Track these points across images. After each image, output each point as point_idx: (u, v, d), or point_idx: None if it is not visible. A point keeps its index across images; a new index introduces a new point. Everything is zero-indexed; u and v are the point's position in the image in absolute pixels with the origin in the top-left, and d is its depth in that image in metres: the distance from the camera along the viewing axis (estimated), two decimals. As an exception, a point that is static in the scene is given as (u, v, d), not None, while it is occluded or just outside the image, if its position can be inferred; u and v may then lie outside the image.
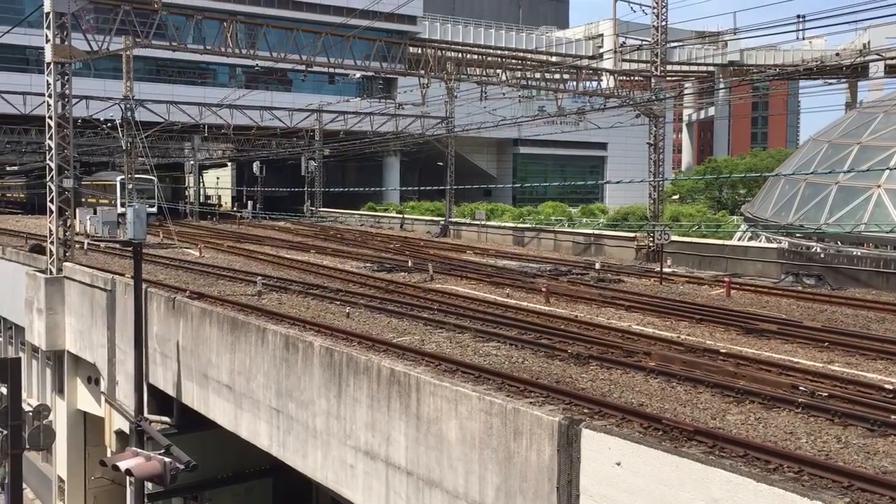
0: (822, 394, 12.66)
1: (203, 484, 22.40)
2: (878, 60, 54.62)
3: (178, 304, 21.48)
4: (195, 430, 21.65)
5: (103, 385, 25.72)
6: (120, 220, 47.67)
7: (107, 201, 55.29)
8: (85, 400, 28.62)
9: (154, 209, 49.44)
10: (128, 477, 19.69)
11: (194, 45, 31.96)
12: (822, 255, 32.40)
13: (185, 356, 21.04)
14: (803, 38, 26.63)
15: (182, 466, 17.17)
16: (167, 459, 17.29)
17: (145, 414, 21.00)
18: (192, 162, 65.27)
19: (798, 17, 24.46)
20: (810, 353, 16.45)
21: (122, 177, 52.85)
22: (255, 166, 67.72)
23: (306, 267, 31.57)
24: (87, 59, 30.20)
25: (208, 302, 21.53)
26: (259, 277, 25.28)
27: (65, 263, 28.36)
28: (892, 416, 11.34)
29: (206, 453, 21.02)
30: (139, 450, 18.49)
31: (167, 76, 74.38)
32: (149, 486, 20.68)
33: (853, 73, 75.49)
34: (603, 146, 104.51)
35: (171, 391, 21.85)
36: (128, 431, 22.43)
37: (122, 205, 49.08)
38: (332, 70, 35.72)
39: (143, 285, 21.64)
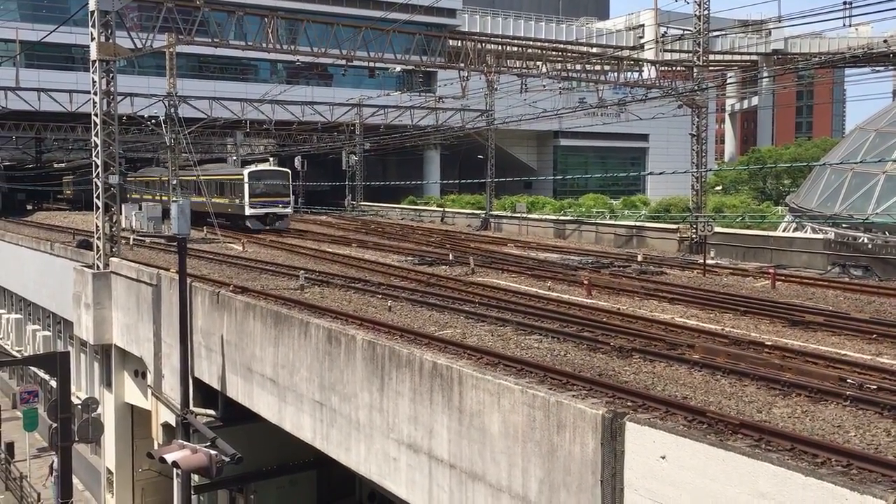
0: (871, 386, 12.45)
1: (248, 476, 22.63)
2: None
3: (222, 298, 21.69)
4: (240, 423, 21.88)
5: (150, 378, 26.07)
6: (263, 220, 45.34)
7: (226, 200, 47.48)
8: (132, 393, 29.04)
9: (288, 209, 47.12)
10: (174, 469, 19.96)
11: (236, 41, 32.22)
12: (870, 246, 31.88)
13: (229, 350, 21.25)
14: (849, 26, 26.18)
15: (227, 459, 17.37)
16: (213, 452, 17.51)
17: (191, 407, 21.27)
18: (234, 157, 65.72)
19: (844, 3, 24.05)
20: (858, 345, 16.18)
21: (252, 168, 48.65)
22: (297, 161, 68.13)
23: (348, 261, 31.70)
24: (131, 56, 30.58)
25: (251, 296, 21.70)
26: (301, 271, 25.43)
27: (111, 259, 28.77)
28: (944, 410, 11.12)
29: (251, 446, 21.25)
30: (185, 442, 18.74)
31: (209, 72, 75.09)
32: (195, 478, 20.95)
33: (901, 60, 74.01)
34: (644, 137, 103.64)
35: (215, 384, 22.09)
36: (174, 424, 22.73)
37: (253, 205, 45.35)
38: (372, 64, 35.82)
39: (188, 280, 21.88)
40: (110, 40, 28.34)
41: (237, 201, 46.88)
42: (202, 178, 50.99)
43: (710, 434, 10.37)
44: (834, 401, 11.95)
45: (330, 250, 35.29)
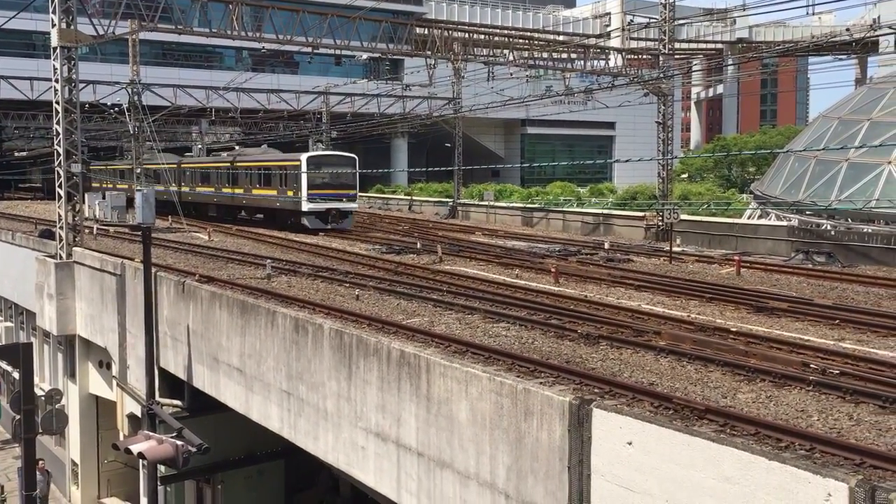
0: (834, 371, 12.61)
1: (215, 466, 22.51)
2: (888, 35, 54.17)
3: (187, 287, 21.51)
4: (207, 413, 21.76)
5: (115, 369, 25.83)
6: (324, 218, 38.31)
7: (272, 192, 40.87)
8: (97, 384, 28.77)
9: (354, 204, 39.96)
10: (140, 460, 19.82)
11: (200, 28, 31.88)
12: (833, 233, 32.27)
13: (195, 340, 21.10)
14: (813, 14, 26.42)
15: (194, 449, 17.25)
16: (179, 442, 17.38)
17: (157, 397, 21.09)
18: (199, 146, 65.06)
19: (807, -8, 24.25)
20: (821, 330, 16.38)
21: (310, 154, 40.06)
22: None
23: (315, 249, 31.58)
24: (93, 43, 30.14)
25: (218, 285, 21.55)
26: (268, 260, 25.29)
27: (74, 248, 28.43)
28: (905, 393, 11.28)
29: (218, 436, 21.14)
30: (151, 433, 18.59)
31: (174, 60, 74.35)
32: (161, 468, 20.79)
33: (863, 48, 74.92)
34: (611, 125, 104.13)
35: (182, 375, 21.93)
36: (140, 415, 22.56)
37: (312, 198, 38.12)
38: (338, 52, 35.61)
39: (153, 269, 21.68)
40: (72, 27, 27.91)
41: (290, 194, 38.91)
42: (240, 164, 43.78)
43: (676, 420, 10.45)
44: (797, 386, 12.08)
45: (297, 239, 35.11)
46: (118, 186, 59.25)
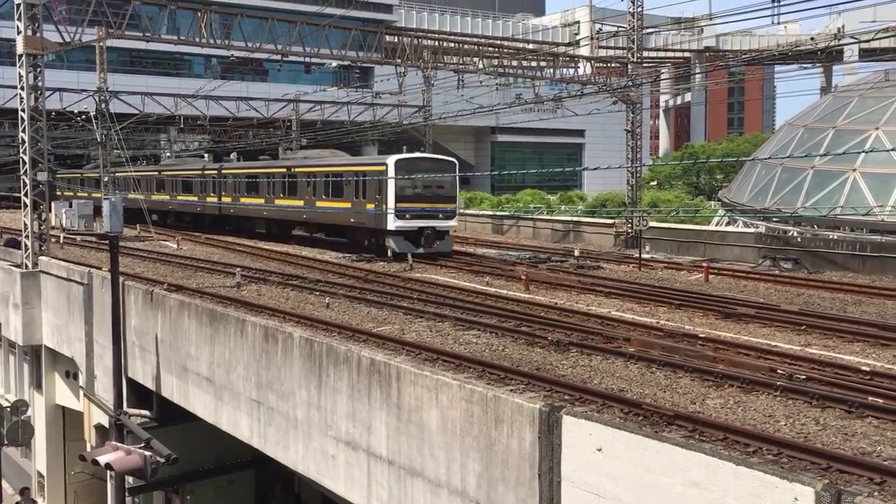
0: (801, 376, 12.73)
1: (184, 477, 22.33)
2: (852, 44, 54.97)
3: (156, 296, 21.34)
4: (175, 423, 21.57)
5: (82, 379, 25.55)
6: (415, 239, 29.58)
7: (346, 205, 32.35)
8: (63, 395, 28.43)
9: (453, 221, 31.36)
10: (108, 471, 19.60)
11: (168, 35, 31.72)
12: (799, 239, 32.64)
13: (163, 349, 20.92)
14: (778, 23, 26.74)
15: (163, 460, 17.08)
16: (147, 453, 17.19)
17: (125, 408, 20.86)
18: (168, 154, 64.66)
19: (773, 1, 24.54)
20: (788, 336, 16.54)
21: (399, 157, 31.37)
22: (233, 157, 67.29)
23: (285, 257, 31.44)
24: (60, 50, 29.88)
25: (187, 294, 21.39)
26: (238, 269, 25.14)
27: (40, 258, 28.11)
28: (870, 398, 11.42)
29: (187, 446, 20.95)
30: (119, 444, 18.38)
31: (142, 67, 73.84)
32: (129, 479, 20.59)
33: (828, 57, 75.91)
34: (581, 133, 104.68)
35: (150, 384, 21.74)
36: (107, 426, 22.32)
37: (400, 213, 29.63)
38: (307, 59, 35.57)
39: (121, 278, 21.48)
40: (37, 34, 27.65)
41: (369, 207, 30.72)
42: (300, 170, 35.85)
43: (646, 426, 10.51)
44: (765, 391, 12.19)
45: (267, 247, 34.94)
46: (131, 196, 54.42)
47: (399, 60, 37.49)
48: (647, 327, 17.12)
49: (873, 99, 43.00)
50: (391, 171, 29.80)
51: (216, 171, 43.70)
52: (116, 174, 54.21)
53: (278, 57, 33.25)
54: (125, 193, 49.09)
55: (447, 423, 12.44)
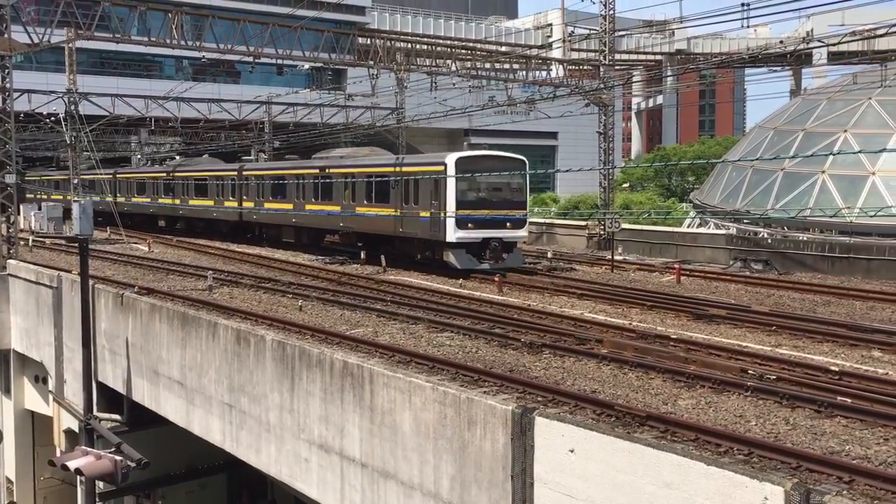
0: (771, 377, 12.84)
1: (156, 481, 22.16)
2: (820, 47, 55.58)
3: (126, 299, 21.17)
4: (147, 427, 21.42)
5: (51, 384, 25.28)
6: (479, 252, 25.61)
7: (390, 211, 28.13)
8: (32, 399, 28.12)
9: (523, 231, 27.11)
10: (78, 476, 19.39)
11: (139, 36, 31.48)
12: (769, 241, 32.91)
13: (134, 353, 20.75)
14: (748, 27, 26.97)
15: (133, 464, 16.96)
16: (118, 457, 17.07)
17: (95, 412, 20.71)
18: (139, 156, 64.11)
19: (743, 4, 24.76)
20: (759, 337, 16.68)
21: (461, 155, 27.18)
22: (205, 160, 66.92)
23: (258, 260, 31.30)
24: (29, 51, 29.59)
25: (158, 297, 21.24)
26: (210, 271, 25.00)
27: (9, 261, 27.79)
28: (839, 398, 11.54)
29: (159, 450, 20.81)
30: (89, 448, 18.23)
31: (112, 69, 73.14)
32: (100, 485, 20.41)
33: (797, 60, 76.71)
34: (553, 135, 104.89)
35: (121, 388, 21.56)
36: (77, 430, 22.09)
37: (462, 223, 25.42)
38: (280, 61, 35.43)
39: (91, 281, 21.29)
40: (5, 35, 27.35)
41: (424, 215, 26.45)
42: (333, 170, 31.87)
43: (619, 427, 10.55)
44: (736, 391, 12.29)
45: (239, 249, 34.77)
46: (135, 200, 50.68)
47: (372, 62, 37.43)
48: (620, 329, 17.21)
49: (842, 102, 43.48)
50: (451, 172, 25.55)
51: (235, 172, 39.60)
52: (117, 175, 52.63)
53: (250, 59, 33.14)
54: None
55: (420, 426, 12.42)
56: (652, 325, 17.76)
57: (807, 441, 10.10)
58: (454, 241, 25.48)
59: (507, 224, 26.29)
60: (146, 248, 35.54)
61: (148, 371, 20.16)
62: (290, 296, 22.10)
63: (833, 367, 13.43)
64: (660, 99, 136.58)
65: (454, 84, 43.88)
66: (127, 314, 21.05)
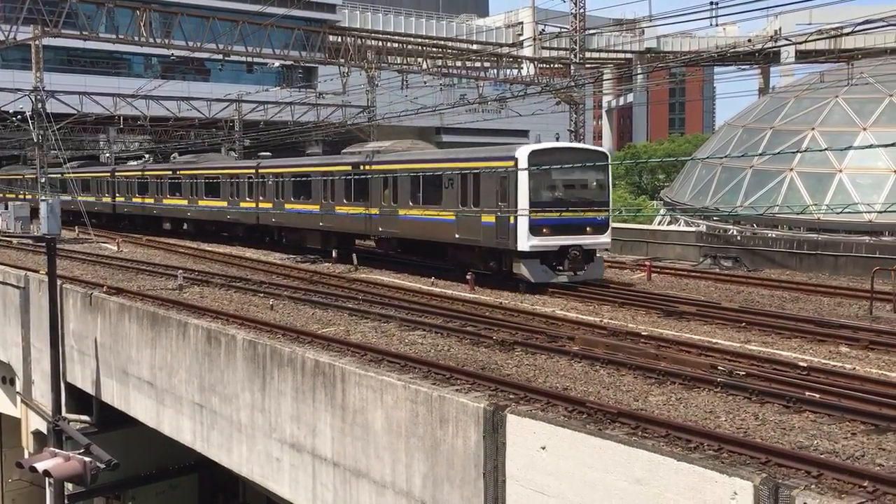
0: (740, 373, 12.95)
1: (126, 482, 22.00)
2: (787, 46, 56.14)
3: (95, 299, 20.98)
4: (116, 427, 21.27)
5: (19, 385, 25.00)
6: (556, 261, 21.94)
7: (442, 213, 24.33)
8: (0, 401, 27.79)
9: (605, 236, 23.18)
10: (46, 478, 19.21)
11: (107, 34, 31.21)
12: (739, 238, 33.17)
13: (103, 353, 20.57)
14: (716, 25, 27.19)
15: (103, 465, 16.81)
16: (87, 459, 16.91)
17: (63, 413, 20.50)
18: (107, 154, 63.50)
19: (711, 3, 24.95)
20: (728, 333, 16.80)
21: (535, 147, 22.74)
22: (174, 158, 66.48)
23: (228, 259, 31.12)
24: (-6, 49, 29.24)
25: (127, 297, 21.06)
26: (180, 271, 24.82)
27: (-25, 261, 27.44)
28: (807, 393, 11.66)
29: (129, 451, 20.66)
30: (58, 450, 18.04)
31: (79, 66, 72.41)
32: (69, 486, 20.20)
33: (765, 59, 77.38)
34: (525, 133, 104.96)
35: (89, 389, 21.37)
36: (46, 432, 21.88)
37: (536, 228, 21.65)
38: (250, 59, 35.26)
39: (59, 281, 21.08)
40: (-30, 31, 27.01)
41: (488, 220, 22.82)
42: (369, 167, 28.03)
43: (590, 423, 10.59)
44: (706, 387, 12.37)
45: (210, 249, 34.56)
46: (136, 201, 46.64)
47: (343, 60, 37.39)
48: (591, 326, 17.28)
49: (809, 100, 43.94)
50: (523, 161, 21.91)
51: (253, 171, 36.00)
52: (116, 174, 49.45)
53: (220, 56, 32.95)
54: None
55: (392, 424, 12.41)
56: (623, 322, 17.84)
57: (776, 436, 10.19)
58: (527, 249, 21.79)
59: (588, 228, 22.78)
60: (115, 248, 35.22)
61: (117, 371, 20.00)
62: (262, 295, 21.99)
63: (801, 363, 13.56)
64: (630, 97, 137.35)
65: (425, 82, 43.95)
66: (95, 314, 20.86)
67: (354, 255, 28.47)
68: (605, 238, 23.21)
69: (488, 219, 22.74)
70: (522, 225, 21.69)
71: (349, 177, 29.07)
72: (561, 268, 22.27)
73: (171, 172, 43.24)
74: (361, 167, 28.45)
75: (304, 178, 32.08)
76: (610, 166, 23.69)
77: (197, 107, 58.21)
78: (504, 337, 15.88)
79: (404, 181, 26.05)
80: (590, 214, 22.83)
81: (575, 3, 38.69)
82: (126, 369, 19.59)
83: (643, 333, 16.15)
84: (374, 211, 27.36)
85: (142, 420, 19.27)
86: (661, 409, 11.38)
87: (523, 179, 21.80)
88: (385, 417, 12.54)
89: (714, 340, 15.84)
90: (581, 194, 23.32)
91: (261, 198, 35.02)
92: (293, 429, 14.44)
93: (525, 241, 21.74)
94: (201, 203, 39.77)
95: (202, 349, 16.85)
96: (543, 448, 10.29)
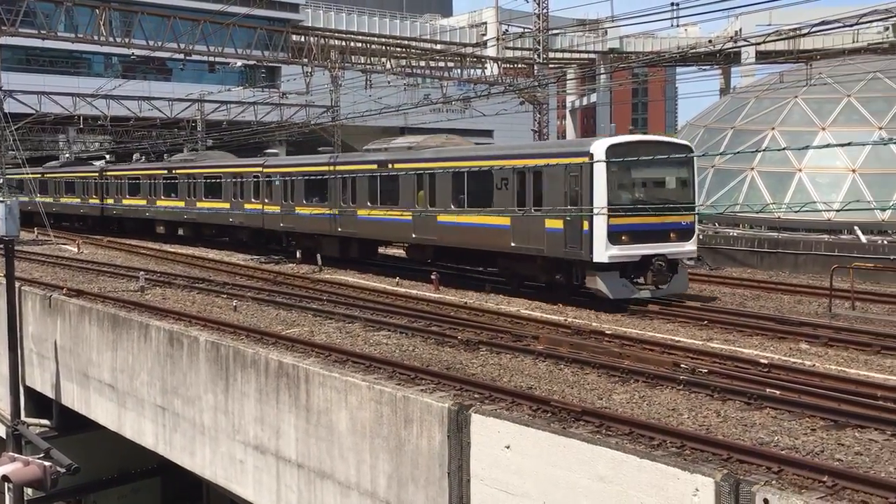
0: (703, 370, 13.07)
1: (87, 487, 21.77)
2: (746, 46, 56.76)
3: (55, 302, 20.71)
4: (77, 431, 21.07)
5: (-23, 389, 24.61)
6: (635, 273, 19.03)
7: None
8: (-43, 405, 27.33)
9: (691, 244, 20.35)
10: (6, 483, 18.93)
11: (65, 32, 30.82)
12: (701, 237, 33.43)
13: (63, 356, 20.31)
14: (678, 26, 27.42)
15: (63, 470, 16.59)
16: (47, 463, 16.67)
17: (23, 417, 20.23)
18: (67, 155, 62.68)
19: (672, 4, 25.16)
20: (691, 331, 16.95)
21: (613, 141, 20.22)
22: (135, 158, 65.79)
23: (191, 260, 30.86)
24: (-50, 47, 28.77)
25: (87, 299, 20.80)
26: (141, 272, 24.57)
27: (-69, 263, 26.98)
28: (768, 390, 11.79)
29: (90, 455, 20.44)
30: (17, 455, 17.77)
31: (38, 66, 71.39)
32: (28, 491, 19.95)
33: (726, 59, 78.15)
34: (489, 133, 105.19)
35: (49, 393, 21.10)
36: (5, 436, 21.56)
37: (614, 235, 18.69)
38: (212, 59, 34.98)
39: (17, 283, 20.78)
40: (-75, 30, 26.55)
41: (554, 227, 19.88)
42: (401, 165, 25.18)
43: (554, 422, 10.62)
44: (669, 385, 12.47)
45: (172, 250, 34.25)
46: (126, 202, 43.36)
47: (306, 60, 37.22)
48: (556, 325, 17.35)
49: (769, 100, 44.40)
50: (599, 166, 19.02)
51: (259, 168, 32.96)
52: (104, 173, 46.74)
53: (181, 56, 32.66)
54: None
55: (357, 425, 12.37)
56: (587, 321, 17.93)
57: (737, 433, 10.29)
58: (605, 260, 18.87)
59: (671, 234, 19.87)
60: (75, 249, 34.79)
61: (77, 374, 19.75)
62: (225, 296, 21.83)
63: (762, 360, 13.72)
64: (594, 97, 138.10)
65: (389, 82, 43.88)
66: (55, 317, 20.59)
67: (319, 256, 28.35)
68: (691, 246, 20.44)
69: (554, 224, 19.79)
70: (600, 231, 18.85)
71: (375, 176, 25.93)
72: (641, 281, 19.53)
73: (166, 172, 40.22)
74: (389, 165, 25.51)
75: (317, 179, 28.49)
76: (695, 161, 20.73)
77: (158, 107, 57.61)
78: (469, 336, 15.89)
79: (444, 181, 23.25)
80: (674, 218, 19.95)
81: (538, 4, 38.82)
82: (86, 372, 19.35)
83: (607, 332, 16.25)
84: (406, 215, 24.44)
85: (103, 423, 19.06)
86: (625, 408, 11.45)
87: (600, 177, 18.97)
88: (349, 418, 12.50)
89: (677, 339, 15.97)
90: (664, 195, 20.46)
91: (266, 200, 31.88)
92: (257, 430, 14.35)
93: (603, 251, 18.82)
94: (200, 205, 36.67)
95: (164, 351, 16.70)
96: (508, 447, 10.31)
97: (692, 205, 20.46)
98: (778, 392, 11.71)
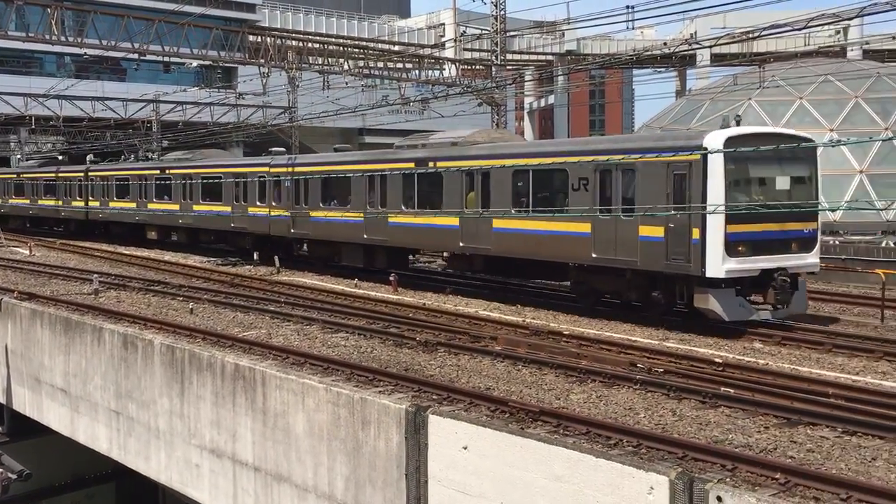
0: (659, 370, 13.19)
1: (39, 493, 21.42)
2: (700, 49, 57.44)
3: (5, 305, 20.37)
4: (29, 437, 20.75)
5: (-75, 395, 24.12)
6: (750, 287, 15.39)
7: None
8: None
9: (814, 255, 16.97)
10: (-45, 491, 18.58)
11: (16, 31, 30.31)
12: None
13: (14, 360, 19.98)
14: (633, 28, 27.62)
15: (15, 476, 16.38)
16: (-2, 470, 16.43)
17: (-27, 423, 19.85)
18: (18, 156, 61.62)
19: (627, 7, 25.35)
20: (647, 331, 17.07)
21: (733, 132, 16.56)
22: (89, 160, 64.88)
23: (146, 263, 30.50)
24: None
25: (39, 302, 20.48)
26: (95, 275, 24.22)
27: None
28: (722, 389, 11.93)
29: (42, 461, 20.15)
30: (-34, 462, 17.48)
31: (-12, 65, 70.14)
32: (-21, 499, 19.56)
33: (681, 61, 79.01)
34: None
35: (0, 398, 20.73)
36: (-46, 443, 21.17)
37: (734, 245, 15.47)
38: (167, 59, 34.61)
39: (-34, 287, 20.41)
40: None
41: (652, 235, 16.85)
42: (444, 164, 22.22)
43: (512, 423, 10.65)
44: (626, 385, 12.57)
45: (127, 252, 33.81)
46: (114, 205, 39.52)
47: (263, 61, 36.98)
48: (514, 326, 17.39)
49: (724, 102, 44.95)
50: (716, 161, 15.97)
51: (265, 168, 29.73)
52: (90, 173, 42.57)
53: (135, 56, 32.29)
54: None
55: (314, 427, 12.31)
56: (545, 322, 18.00)
57: (692, 431, 10.40)
58: (721, 275, 15.90)
59: (793, 245, 16.83)
60: (27, 252, 34.22)
61: (29, 379, 19.43)
62: (181, 299, 21.61)
63: (717, 360, 13.88)
64: (552, 99, 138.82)
65: (347, 83, 43.73)
66: (6, 320, 20.25)
67: (276, 258, 28.15)
68: (814, 258, 17.16)
69: (651, 232, 16.76)
70: (715, 241, 15.82)
71: (410, 176, 23.15)
72: (760, 300, 16.66)
73: (158, 171, 36.72)
74: (431, 164, 22.59)
75: (338, 178, 25.49)
76: (818, 158, 17.60)
77: (112, 107, 56.90)
78: (427, 338, 15.89)
79: (501, 181, 20.22)
80: (796, 225, 16.92)
81: (495, 6, 38.95)
82: (38, 377, 19.05)
83: (565, 332, 16.32)
84: (453, 221, 21.61)
85: (55, 428, 18.77)
86: (582, 407, 11.52)
87: (717, 177, 15.96)
88: (307, 420, 12.43)
89: (633, 338, 16.09)
90: (783, 197, 16.94)
91: (274, 203, 28.74)
92: (213, 434, 14.22)
93: (719, 264, 15.79)
94: (197, 208, 33.32)
95: (118, 355, 16.49)
96: (465, 448, 10.32)
97: (815, 209, 17.22)
98: (732, 391, 11.86)
